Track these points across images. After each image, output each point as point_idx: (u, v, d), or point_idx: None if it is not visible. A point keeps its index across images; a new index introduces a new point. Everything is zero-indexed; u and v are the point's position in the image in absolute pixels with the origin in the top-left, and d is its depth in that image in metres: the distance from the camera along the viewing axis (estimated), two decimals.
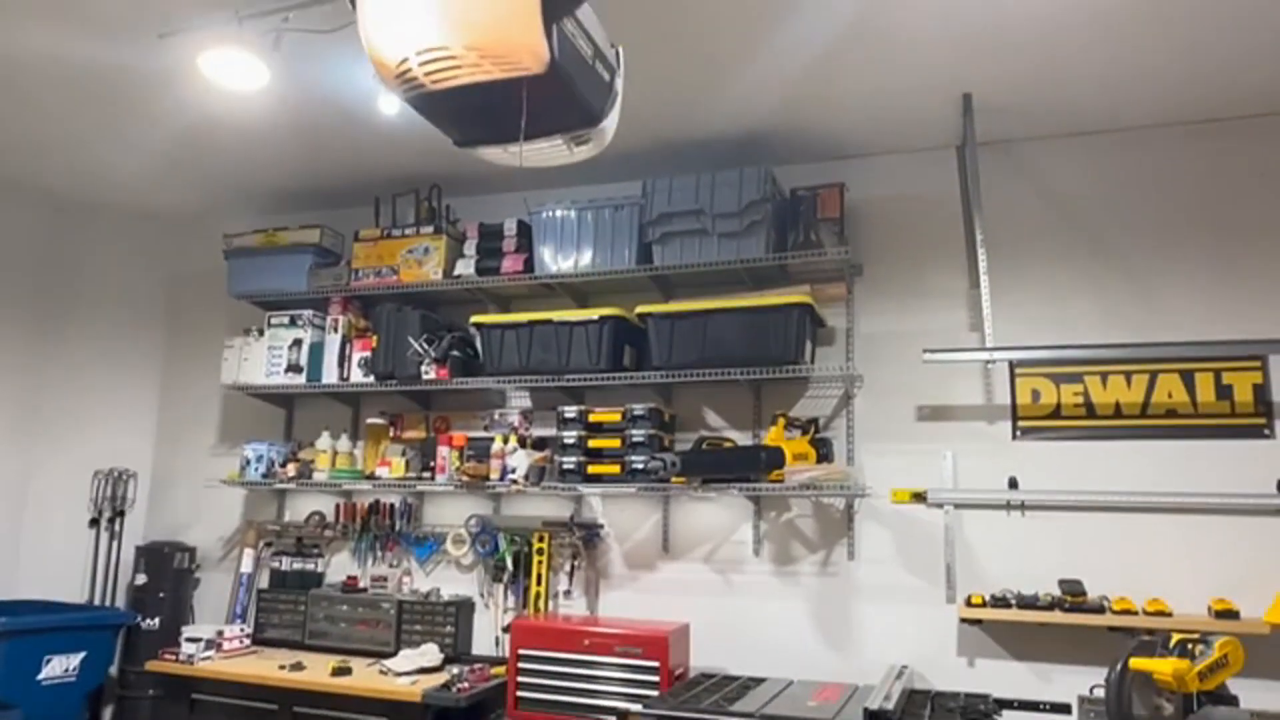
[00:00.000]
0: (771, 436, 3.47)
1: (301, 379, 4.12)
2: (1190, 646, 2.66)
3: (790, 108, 3.38)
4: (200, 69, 2.90)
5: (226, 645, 3.88)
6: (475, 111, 1.37)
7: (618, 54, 1.45)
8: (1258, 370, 3.18)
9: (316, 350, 4.13)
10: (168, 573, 4.36)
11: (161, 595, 4.32)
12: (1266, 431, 3.16)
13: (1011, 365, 3.44)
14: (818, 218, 3.54)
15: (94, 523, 4.55)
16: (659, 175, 3.60)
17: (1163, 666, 2.56)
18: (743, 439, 3.73)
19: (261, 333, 4.25)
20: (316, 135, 3.72)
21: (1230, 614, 2.95)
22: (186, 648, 3.76)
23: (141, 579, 4.35)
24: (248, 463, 4.18)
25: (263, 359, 4.20)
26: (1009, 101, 3.28)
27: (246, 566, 4.33)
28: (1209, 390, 3.23)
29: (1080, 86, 3.16)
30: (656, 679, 3.18)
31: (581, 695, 3.26)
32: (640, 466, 3.50)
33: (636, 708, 2.90)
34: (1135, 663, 2.61)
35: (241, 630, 4.02)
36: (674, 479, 3.37)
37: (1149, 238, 3.38)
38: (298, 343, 4.15)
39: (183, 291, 4.87)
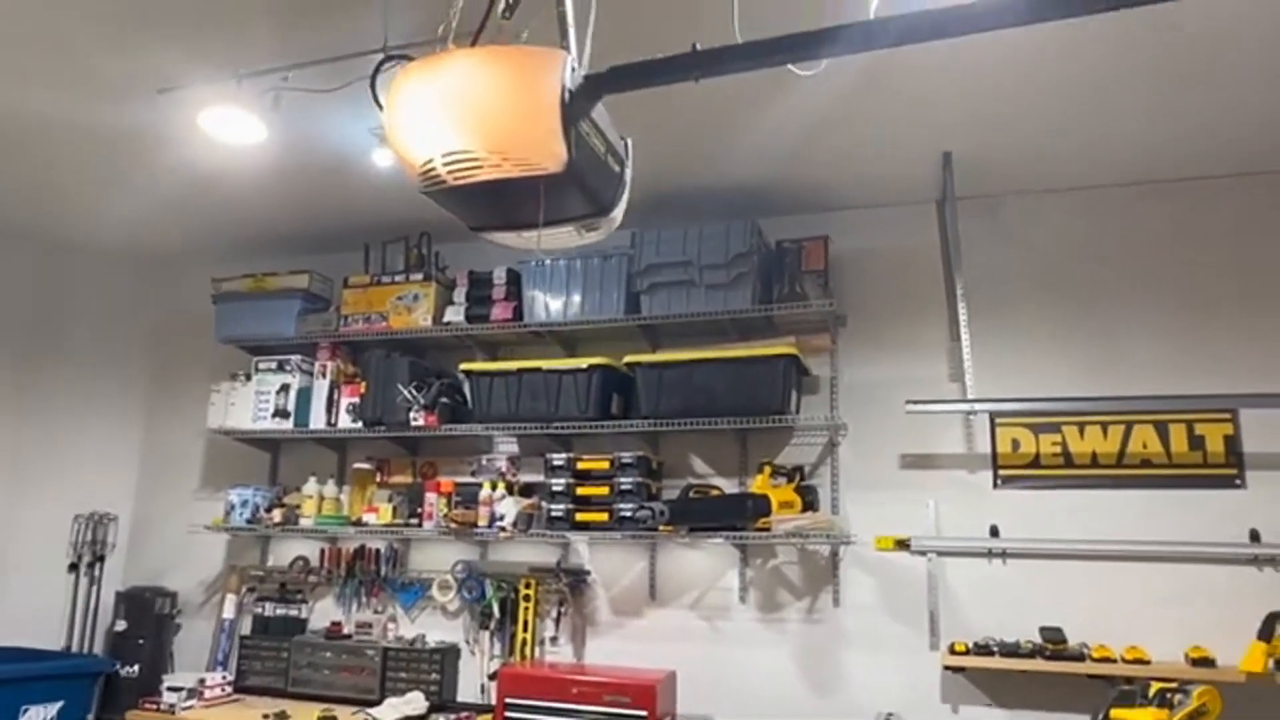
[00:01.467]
0: (758, 484, 3.52)
1: (289, 424, 4.13)
2: (1169, 695, 2.72)
3: (778, 165, 3.48)
4: (200, 125, 2.95)
5: (208, 694, 3.84)
6: (491, 201, 1.43)
7: (627, 146, 1.52)
8: (1228, 422, 3.29)
9: (304, 395, 4.14)
10: (148, 619, 4.32)
11: (141, 641, 4.27)
12: (1238, 481, 3.25)
13: (992, 416, 3.52)
14: (803, 270, 3.63)
15: (73, 567, 4.50)
16: (648, 226, 3.67)
17: (1143, 718, 2.62)
18: (729, 486, 3.77)
19: (249, 377, 4.25)
20: (308, 183, 3.76)
21: (1207, 662, 3.01)
22: (168, 696, 3.73)
23: (121, 625, 4.31)
24: (232, 508, 4.17)
25: (250, 403, 4.20)
26: (988, 159, 3.40)
27: (229, 612, 4.30)
28: (1182, 441, 3.32)
29: (1057, 146, 3.28)
30: None
31: None
32: (629, 515, 3.53)
33: None
34: (1116, 714, 2.67)
35: (224, 678, 3.98)
36: (662, 528, 3.40)
37: (1124, 293, 3.49)
38: (285, 388, 4.16)
39: (168, 335, 4.86)
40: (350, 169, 3.53)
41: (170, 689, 3.74)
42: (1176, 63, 2.72)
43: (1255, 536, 3.17)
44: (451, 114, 1.30)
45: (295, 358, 4.19)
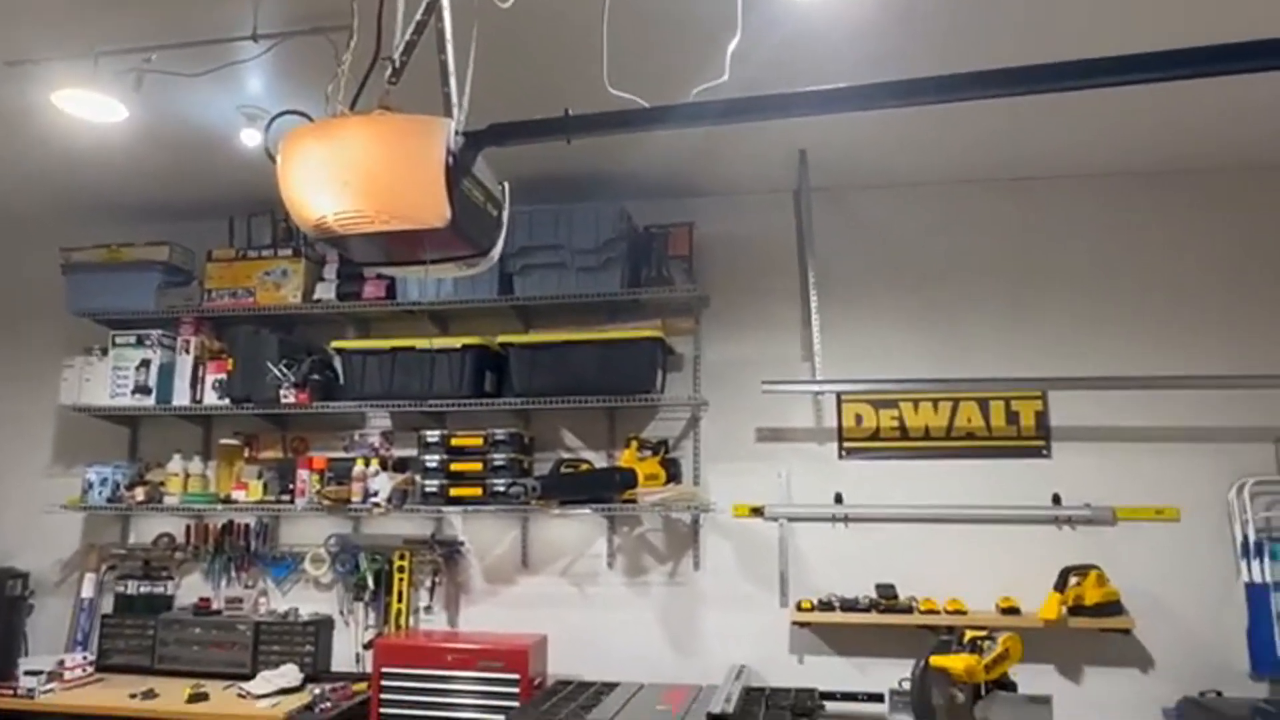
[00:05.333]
0: (625, 458, 3.73)
1: (151, 400, 4.04)
2: (979, 643, 3.11)
3: (644, 154, 3.61)
4: (54, 103, 2.84)
5: (69, 675, 3.77)
6: (379, 246, 1.53)
7: (504, 190, 1.65)
8: (1039, 400, 3.71)
9: (166, 371, 4.06)
10: None
11: None
12: (1045, 452, 3.69)
13: (838, 394, 3.84)
14: (669, 254, 3.82)
15: None
16: (516, 204, 3.75)
17: (956, 663, 2.99)
18: (598, 459, 3.97)
19: (105, 352, 4.12)
20: (171, 156, 3.65)
21: (1013, 611, 3.44)
22: (25, 680, 3.64)
23: None
24: (90, 486, 4.07)
25: (107, 379, 4.08)
26: (839, 157, 3.65)
27: (87, 591, 4.20)
28: (1001, 417, 3.73)
29: (903, 145, 3.56)
30: (517, 690, 3.38)
31: (445, 709, 3.41)
32: (502, 490, 3.68)
33: (499, 719, 3.08)
34: (934, 660, 3.03)
35: (85, 658, 3.90)
36: (535, 502, 3.57)
37: (957, 281, 3.85)
38: (146, 363, 4.06)
39: (11, 306, 4.61)
40: (216, 145, 3.46)
41: (28, 673, 3.65)
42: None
43: (1057, 500, 3.62)
44: (343, 177, 1.39)
45: (156, 332, 4.08)
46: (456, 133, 1.45)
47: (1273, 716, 2.92)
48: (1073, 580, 3.36)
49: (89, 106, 2.83)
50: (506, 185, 1.67)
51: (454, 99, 1.58)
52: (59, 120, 3.14)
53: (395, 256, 1.59)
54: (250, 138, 3.20)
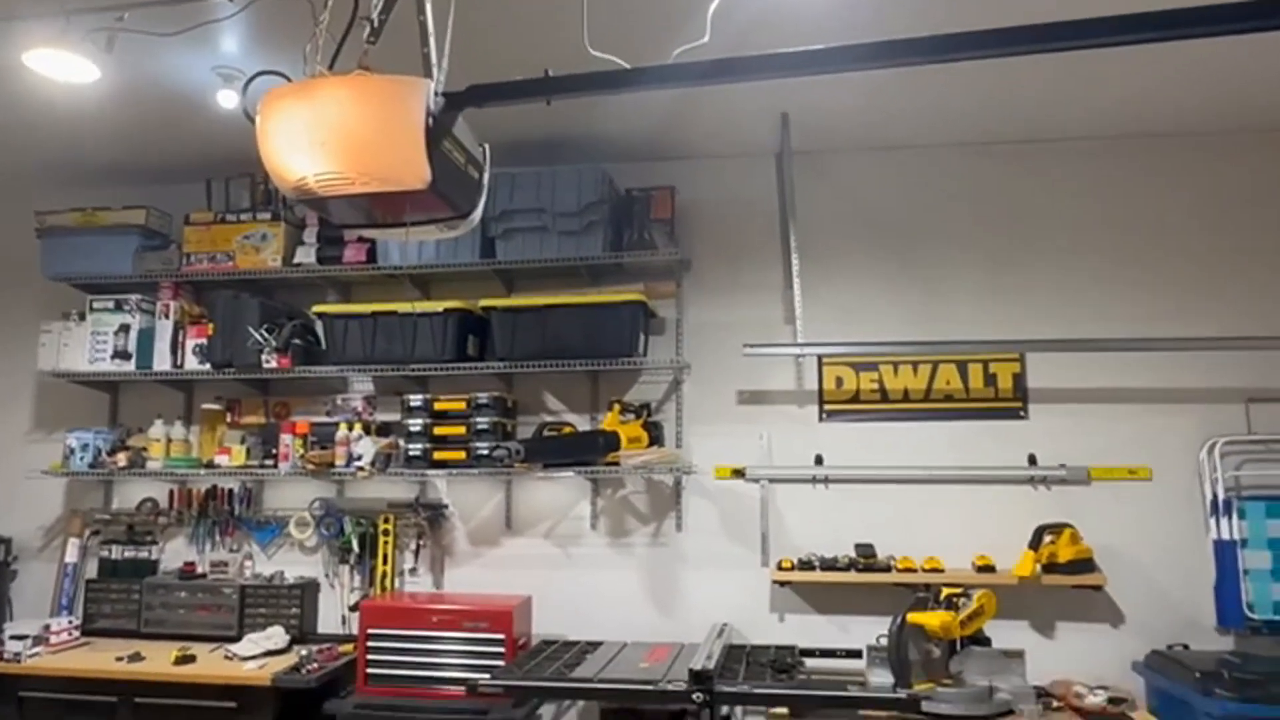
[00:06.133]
0: (608, 421, 3.75)
1: (131, 366, 4.02)
2: (955, 599, 3.19)
3: (627, 116, 3.60)
4: (25, 63, 2.79)
5: (55, 639, 3.79)
6: (360, 208, 1.53)
7: (485, 152, 1.64)
8: (1017, 362, 3.76)
9: (146, 336, 4.03)
10: None
11: None
12: (1022, 413, 3.74)
13: (819, 357, 3.87)
14: (651, 218, 3.81)
15: None
16: (497, 167, 3.73)
17: (932, 619, 3.07)
18: (581, 423, 3.99)
19: (83, 317, 4.08)
20: (145, 117, 3.60)
21: (989, 569, 3.51)
22: (11, 645, 3.64)
23: None
24: (72, 451, 4.05)
25: (86, 344, 4.04)
26: (821, 120, 3.65)
27: (71, 556, 4.21)
28: (979, 379, 3.78)
29: (884, 109, 3.56)
30: (502, 650, 3.43)
31: (430, 669, 3.46)
32: (486, 453, 3.70)
33: (484, 678, 3.12)
34: (911, 616, 3.10)
35: (70, 623, 3.92)
36: (518, 465, 3.59)
37: (936, 245, 3.87)
38: (125, 328, 4.03)
39: None
40: (192, 107, 3.41)
41: (13, 637, 3.66)
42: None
43: (1033, 460, 3.68)
44: (323, 139, 1.39)
45: (134, 297, 4.05)
46: (436, 94, 1.44)
47: (1237, 667, 3.01)
48: (1047, 539, 3.43)
49: (60, 67, 2.78)
50: (487, 147, 1.67)
51: (433, 59, 1.57)
52: (30, 81, 3.09)
53: (376, 219, 1.59)
54: (226, 99, 3.17)
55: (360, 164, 1.39)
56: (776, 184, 3.96)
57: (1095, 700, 3.11)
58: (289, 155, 1.45)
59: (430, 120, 1.41)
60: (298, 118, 1.43)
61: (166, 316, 4.03)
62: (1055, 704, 3.17)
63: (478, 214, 1.64)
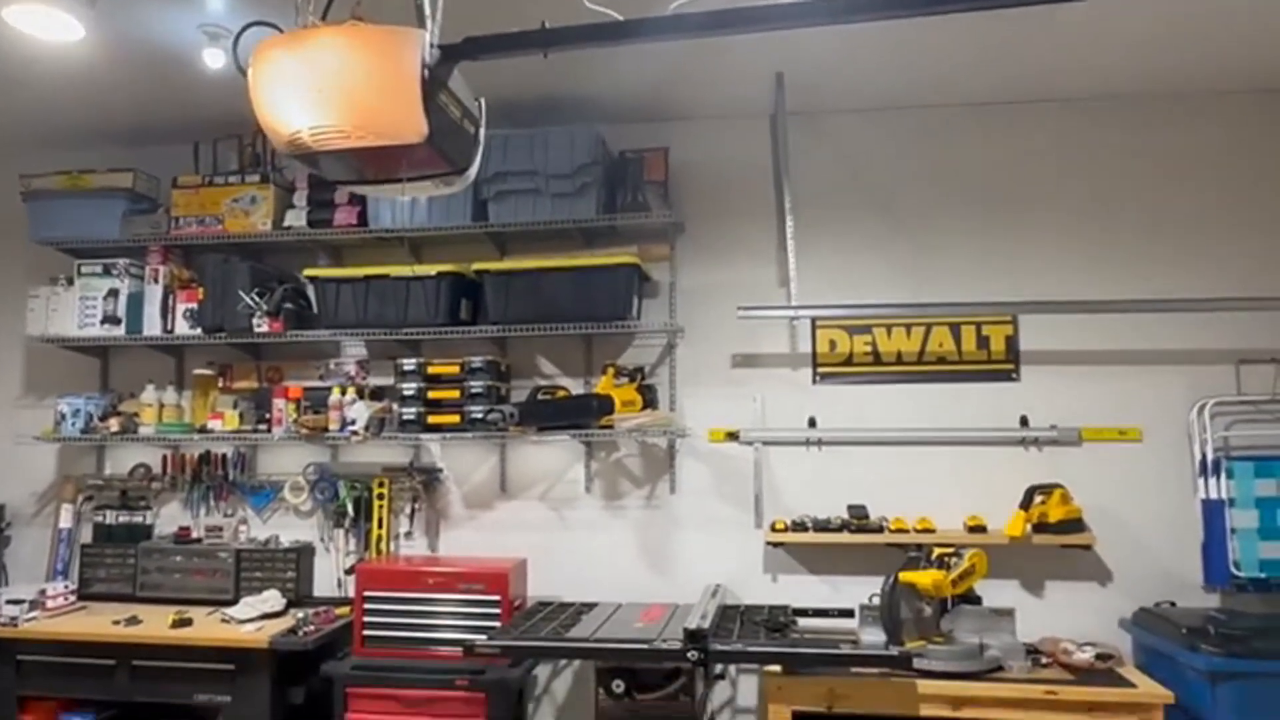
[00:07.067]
0: (602, 385, 3.75)
1: (121, 331, 3.99)
2: (946, 559, 3.22)
3: (616, 75, 3.55)
4: (6, 20, 2.73)
5: (51, 604, 3.79)
6: (355, 163, 1.50)
7: (480, 107, 1.62)
8: (1010, 324, 3.77)
9: (135, 301, 4.00)
10: None
11: None
12: (1014, 375, 3.76)
13: (813, 320, 3.87)
14: (644, 180, 3.78)
15: None
16: (490, 128, 3.69)
17: (924, 578, 3.10)
18: (575, 386, 3.99)
19: (71, 282, 4.05)
20: (130, 77, 3.54)
21: (980, 529, 3.55)
22: (8, 610, 3.65)
23: None
24: (63, 418, 4.03)
25: (74, 309, 4.01)
26: (815, 79, 3.61)
27: (65, 522, 4.21)
28: (971, 341, 3.79)
29: (879, 68, 3.52)
30: (498, 611, 3.45)
31: (427, 630, 3.48)
32: (480, 417, 3.70)
33: (481, 639, 3.15)
34: (904, 576, 3.14)
35: (66, 587, 3.93)
36: (513, 429, 3.59)
37: (930, 206, 3.86)
38: (114, 293, 4.00)
39: None
40: (178, 66, 3.35)
41: (10, 602, 3.67)
42: None
43: (1024, 422, 3.70)
44: (318, 91, 1.36)
45: (123, 261, 4.01)
46: (431, 45, 1.42)
47: (1222, 623, 3.06)
48: (1038, 499, 3.47)
49: (43, 23, 2.72)
50: (483, 101, 1.65)
51: (427, 10, 1.54)
52: (11, 38, 3.03)
53: (371, 175, 1.56)
54: (213, 58, 3.11)
55: (356, 117, 1.37)
56: (771, 145, 3.93)
57: (1083, 656, 3.16)
58: (283, 108, 1.43)
59: (426, 72, 1.38)
60: (291, 69, 1.40)
61: (156, 281, 3.99)
62: (1044, 660, 3.23)
63: (474, 169, 1.62)
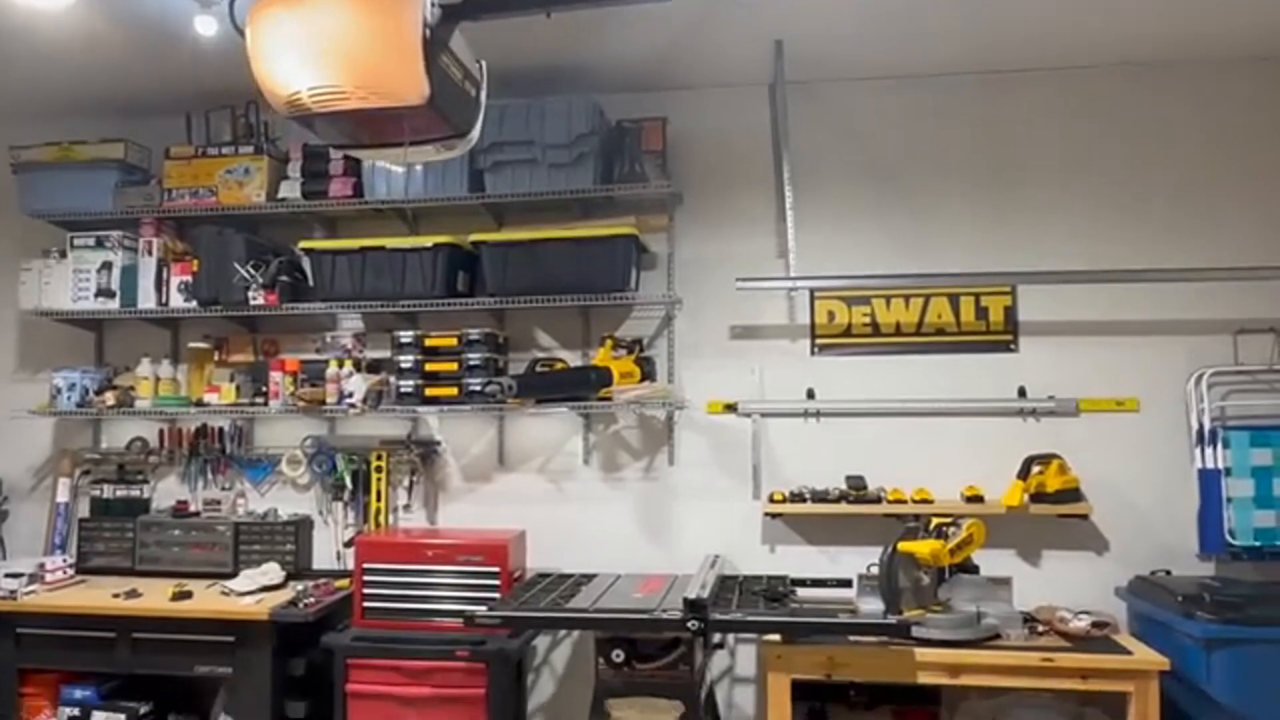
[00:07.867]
0: (600, 357, 3.74)
1: (115, 304, 3.96)
2: (945, 529, 3.24)
3: (614, 44, 3.51)
4: None
5: (50, 577, 3.80)
6: (355, 126, 1.48)
7: (481, 69, 1.59)
8: (1008, 295, 3.76)
9: (130, 274, 3.97)
10: None
11: None
12: (1013, 346, 3.76)
13: (811, 291, 3.86)
14: (642, 150, 3.75)
15: None
16: (490, 100, 3.65)
17: (922, 548, 3.11)
18: (573, 358, 3.98)
19: (63, 254, 4.01)
20: (121, 46, 3.47)
21: (977, 499, 3.56)
22: (7, 583, 3.66)
23: None
24: (59, 391, 4.01)
25: (68, 282, 3.98)
26: (815, 49, 3.57)
27: (63, 496, 4.20)
28: (970, 312, 3.78)
29: (879, 37, 3.48)
30: (497, 583, 3.46)
31: (427, 602, 3.49)
32: (478, 389, 3.68)
33: (481, 610, 3.16)
34: (902, 546, 3.15)
35: (64, 561, 3.93)
36: (511, 401, 3.58)
37: (929, 176, 3.84)
38: (107, 265, 3.96)
39: None
40: (169, 34, 3.30)
41: (9, 575, 3.67)
42: None
43: (1022, 393, 3.71)
44: (317, 50, 1.33)
45: (116, 234, 3.97)
46: (432, 4, 1.39)
47: (1217, 591, 3.08)
48: (1035, 469, 3.48)
49: None
50: (484, 64, 1.62)
51: None
52: None
53: (371, 138, 1.54)
54: (205, 25, 3.06)
55: (357, 77, 1.35)
56: (770, 115, 3.90)
57: (1079, 624, 3.18)
58: (282, 68, 1.40)
59: (427, 32, 1.36)
60: (289, 27, 1.37)
61: (150, 253, 3.96)
62: (1040, 629, 3.25)
63: (475, 132, 1.60)
